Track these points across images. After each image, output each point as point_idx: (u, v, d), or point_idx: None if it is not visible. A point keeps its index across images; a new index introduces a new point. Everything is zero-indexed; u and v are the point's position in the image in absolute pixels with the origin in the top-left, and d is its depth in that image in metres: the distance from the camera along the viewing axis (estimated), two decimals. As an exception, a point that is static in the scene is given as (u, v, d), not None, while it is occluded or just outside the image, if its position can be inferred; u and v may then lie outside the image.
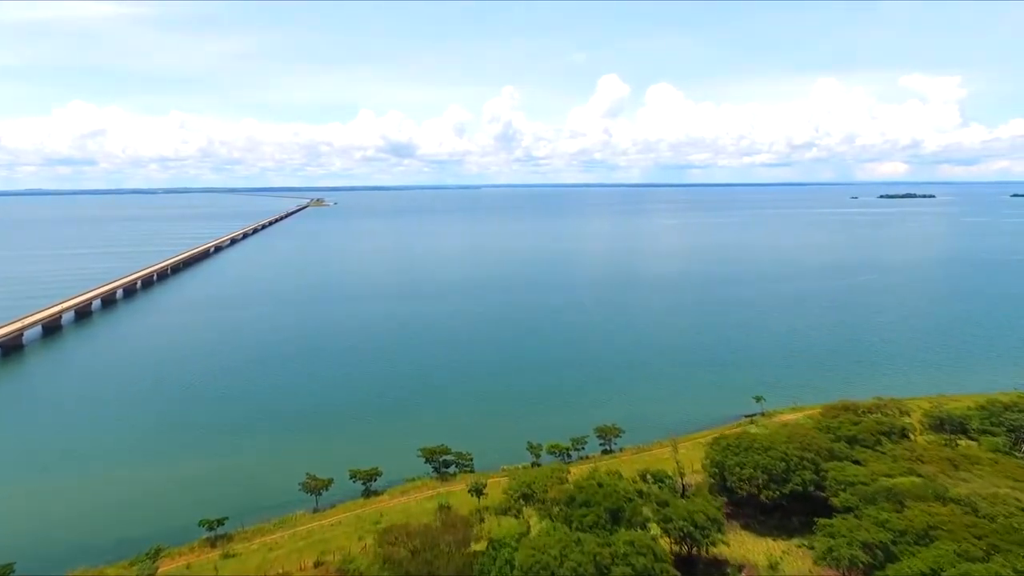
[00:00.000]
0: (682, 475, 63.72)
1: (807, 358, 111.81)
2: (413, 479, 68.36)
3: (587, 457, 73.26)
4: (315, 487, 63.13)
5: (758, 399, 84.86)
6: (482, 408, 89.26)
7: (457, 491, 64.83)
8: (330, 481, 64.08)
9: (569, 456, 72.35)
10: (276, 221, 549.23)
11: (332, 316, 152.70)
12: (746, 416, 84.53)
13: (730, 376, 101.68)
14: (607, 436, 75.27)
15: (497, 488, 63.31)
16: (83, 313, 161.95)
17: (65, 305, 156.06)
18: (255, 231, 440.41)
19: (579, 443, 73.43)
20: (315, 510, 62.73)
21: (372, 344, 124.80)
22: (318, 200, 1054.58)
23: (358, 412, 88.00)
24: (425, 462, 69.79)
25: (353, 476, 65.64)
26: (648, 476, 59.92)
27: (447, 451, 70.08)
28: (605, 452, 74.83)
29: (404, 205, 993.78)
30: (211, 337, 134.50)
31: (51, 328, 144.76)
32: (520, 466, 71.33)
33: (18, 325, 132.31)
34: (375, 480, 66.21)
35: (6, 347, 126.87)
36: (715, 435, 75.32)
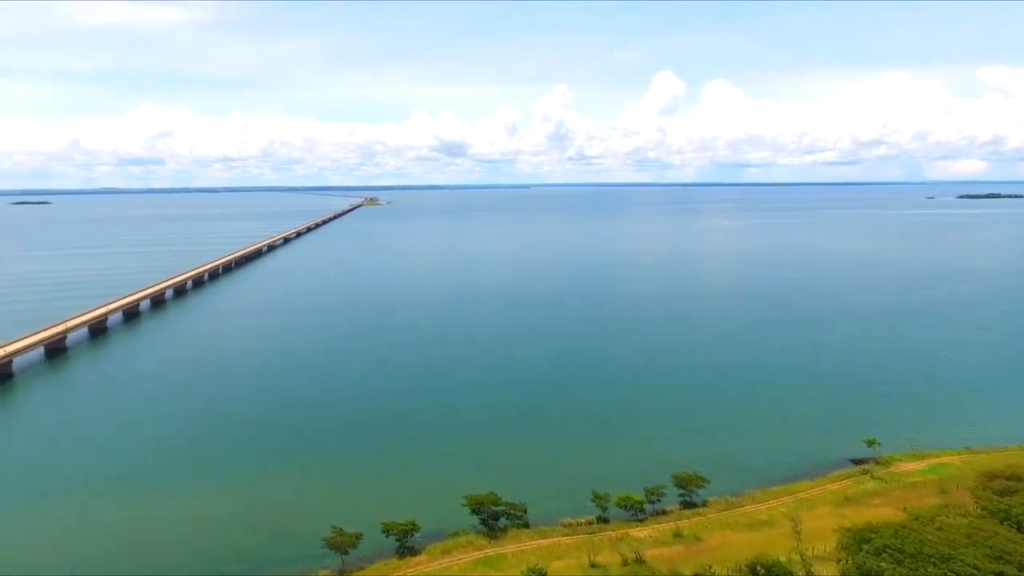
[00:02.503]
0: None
1: (913, 387, 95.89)
2: (456, 533, 57.75)
3: (665, 512, 61.11)
4: (342, 544, 53.29)
5: (870, 443, 70.54)
6: (534, 443, 77.16)
7: (509, 553, 54.00)
8: (359, 537, 54.14)
9: (643, 511, 60.42)
10: (329, 220, 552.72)
11: (373, 325, 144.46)
12: (853, 461, 70.56)
13: (826, 409, 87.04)
14: (688, 486, 62.95)
15: (557, 554, 52.23)
16: (131, 314, 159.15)
17: (113, 306, 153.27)
18: (308, 230, 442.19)
19: (654, 494, 61.40)
20: (341, 573, 52.83)
21: (413, 360, 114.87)
22: (372, 199, 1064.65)
23: (393, 443, 77.65)
24: (471, 513, 59.14)
25: (387, 531, 55.54)
26: (759, 570, 46.75)
27: (497, 501, 59.20)
28: (686, 505, 62.47)
29: (455, 204, 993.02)
30: (246, 346, 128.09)
31: (97, 330, 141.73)
32: (584, 521, 59.95)
33: (62, 328, 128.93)
34: (411, 535, 55.93)
35: (49, 349, 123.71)
36: (821, 488, 62.25)
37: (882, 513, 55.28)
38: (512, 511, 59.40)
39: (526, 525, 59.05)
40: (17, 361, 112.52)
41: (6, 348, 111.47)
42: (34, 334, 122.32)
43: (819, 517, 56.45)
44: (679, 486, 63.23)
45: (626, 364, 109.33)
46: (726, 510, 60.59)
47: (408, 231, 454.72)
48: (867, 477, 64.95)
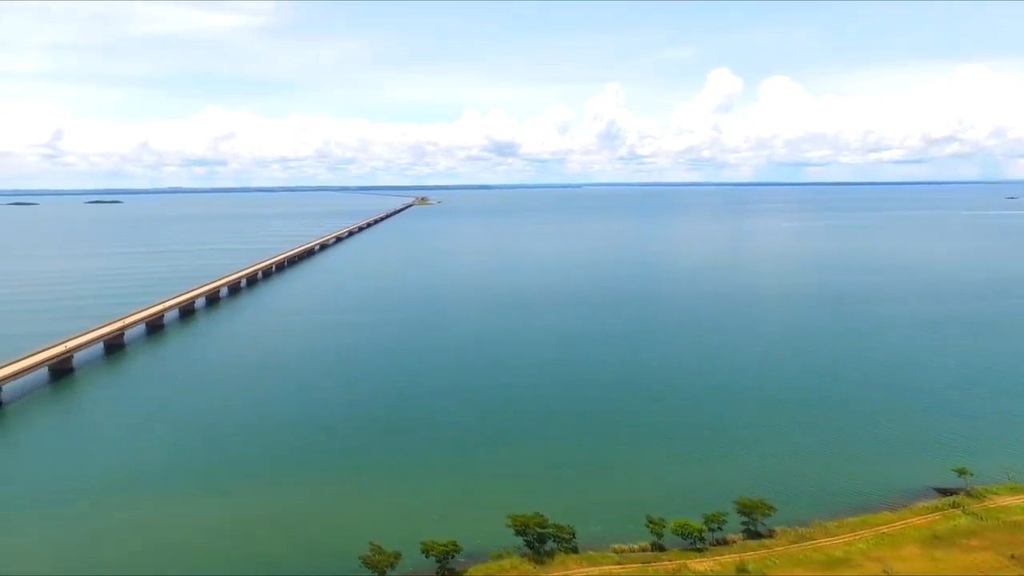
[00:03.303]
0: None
1: (1006, 408, 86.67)
2: (499, 555, 54.22)
3: (726, 542, 56.00)
4: (379, 564, 50.53)
5: (960, 472, 63.38)
6: (583, 458, 72.54)
7: (556, 581, 50.17)
8: (398, 557, 51.27)
9: (702, 539, 55.50)
10: (381, 220, 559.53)
11: (419, 326, 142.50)
12: (940, 491, 63.59)
13: (907, 430, 79.38)
14: (753, 514, 57.60)
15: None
16: (187, 311, 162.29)
17: (170, 303, 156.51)
18: (360, 229, 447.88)
19: (715, 521, 56.39)
20: (377, 594, 50.06)
21: (458, 364, 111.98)
22: (423, 199, 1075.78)
23: (434, 453, 74.66)
24: (515, 534, 55.47)
25: (426, 551, 52.46)
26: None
27: (544, 523, 55.32)
28: (750, 535, 57.15)
29: (505, 204, 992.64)
30: (291, 346, 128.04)
31: (154, 327, 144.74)
32: (637, 547, 55.49)
33: (120, 324, 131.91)
34: (452, 557, 52.68)
35: (108, 345, 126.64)
36: (905, 522, 55.93)
37: (984, 560, 48.84)
38: (559, 534, 55.45)
39: (574, 550, 55.01)
40: (77, 356, 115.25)
41: (67, 344, 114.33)
42: (94, 330, 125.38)
43: (907, 558, 50.33)
44: (742, 513, 57.98)
45: (683, 374, 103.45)
46: (796, 543, 55.03)
47: (458, 231, 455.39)
48: (958, 512, 58.10)
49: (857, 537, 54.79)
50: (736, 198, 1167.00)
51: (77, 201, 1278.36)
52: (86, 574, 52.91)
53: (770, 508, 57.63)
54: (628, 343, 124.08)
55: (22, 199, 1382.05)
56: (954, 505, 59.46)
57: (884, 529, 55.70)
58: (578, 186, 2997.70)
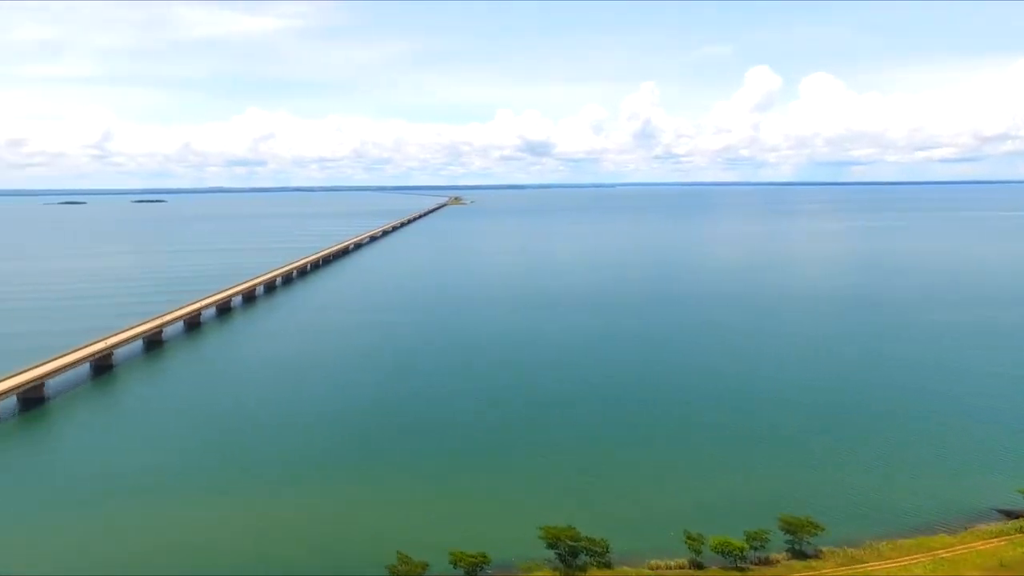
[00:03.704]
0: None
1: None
2: (529, 568, 52.34)
3: (770, 561, 53.04)
4: (407, 574, 49.06)
5: (1025, 493, 59.07)
6: (618, 468, 69.98)
7: (589, 598, 47.99)
8: (425, 567, 49.80)
9: (744, 558, 52.66)
10: (415, 219, 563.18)
11: (448, 326, 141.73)
12: (1003, 513, 59.36)
13: (966, 445, 74.54)
14: (799, 532, 54.44)
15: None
16: (223, 309, 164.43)
17: (206, 302, 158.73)
18: (394, 229, 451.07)
19: (758, 539, 53.46)
20: (404, 605, 48.65)
21: (488, 367, 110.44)
22: (456, 198, 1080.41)
23: (463, 457, 73.15)
24: (547, 546, 53.46)
25: (455, 561, 50.89)
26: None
27: (576, 536, 53.16)
28: (796, 555, 54.02)
29: (538, 204, 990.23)
30: (322, 345, 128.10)
31: (192, 324, 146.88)
32: (674, 564, 52.93)
33: (159, 321, 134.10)
34: (482, 568, 50.96)
35: (148, 342, 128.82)
36: (966, 547, 52.20)
37: (1058, 593, 45.01)
38: (592, 548, 53.22)
39: (608, 565, 52.75)
40: (118, 353, 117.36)
41: (108, 340, 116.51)
42: (134, 327, 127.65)
43: (969, 587, 46.79)
44: (787, 531, 54.86)
45: (720, 380, 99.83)
46: (845, 565, 51.77)
47: (490, 231, 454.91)
48: (1024, 536, 53.97)
49: (913, 561, 51.28)
50: (775, 198, 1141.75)
51: (123, 200, 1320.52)
52: (118, 573, 52.74)
53: (817, 527, 54.41)
54: (662, 347, 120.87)
55: (73, 198, 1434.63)
56: (1020, 529, 55.27)
57: (943, 554, 52.03)
58: (612, 186, 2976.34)
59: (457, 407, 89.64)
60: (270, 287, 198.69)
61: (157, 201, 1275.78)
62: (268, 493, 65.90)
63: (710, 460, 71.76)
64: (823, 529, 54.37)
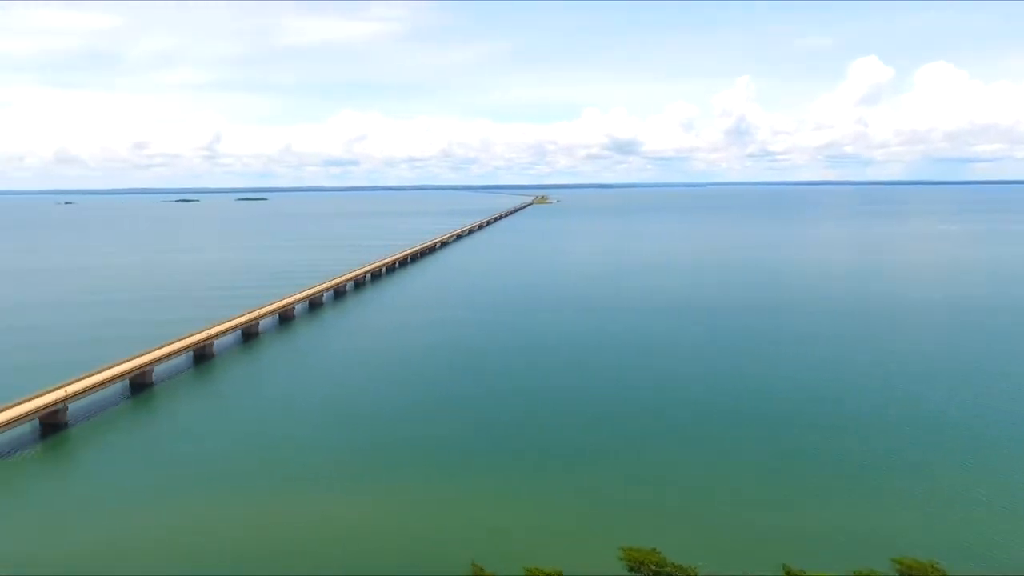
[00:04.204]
0: None
1: None
2: (615, 591, 48.73)
3: (886, 606, 46.78)
4: (485, 588, 46.83)
5: None
6: (706, 486, 64.97)
7: (681, 631, 43.93)
8: (504, 583, 47.37)
9: (858, 601, 46.73)
10: (501, 218, 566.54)
11: (529, 327, 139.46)
12: None
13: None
14: (922, 576, 47.80)
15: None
16: (315, 304, 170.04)
17: (300, 296, 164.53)
18: (479, 227, 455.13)
19: (871, 581, 47.31)
20: (482, 620, 46.43)
21: (567, 370, 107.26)
22: (542, 197, 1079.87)
23: (542, 466, 70.30)
24: (628, 569, 49.70)
25: (533, 579, 48.10)
26: None
27: (662, 561, 48.98)
28: (920, 601, 47.45)
29: (625, 203, 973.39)
30: (406, 342, 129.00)
31: (286, 317, 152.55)
32: (777, 600, 47.78)
33: (256, 314, 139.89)
34: (562, 588, 47.92)
35: (245, 333, 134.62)
36: None
37: None
38: (679, 575, 48.98)
39: (699, 593, 48.36)
40: (217, 343, 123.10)
41: (208, 331, 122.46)
42: (233, 319, 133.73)
43: None
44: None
45: (822, 397, 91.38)
46: (984, 617, 44.89)
47: (575, 230, 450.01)
48: None
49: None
50: (884, 198, 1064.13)
51: (229, 198, 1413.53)
52: (202, 561, 53.92)
53: (941, 573, 47.55)
54: (756, 357, 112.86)
55: (186, 196, 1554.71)
56: None
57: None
58: (702, 185, 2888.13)
59: (535, 411, 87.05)
60: (359, 283, 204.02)
61: (259, 199, 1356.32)
62: (345, 491, 65.85)
63: (808, 485, 65.30)
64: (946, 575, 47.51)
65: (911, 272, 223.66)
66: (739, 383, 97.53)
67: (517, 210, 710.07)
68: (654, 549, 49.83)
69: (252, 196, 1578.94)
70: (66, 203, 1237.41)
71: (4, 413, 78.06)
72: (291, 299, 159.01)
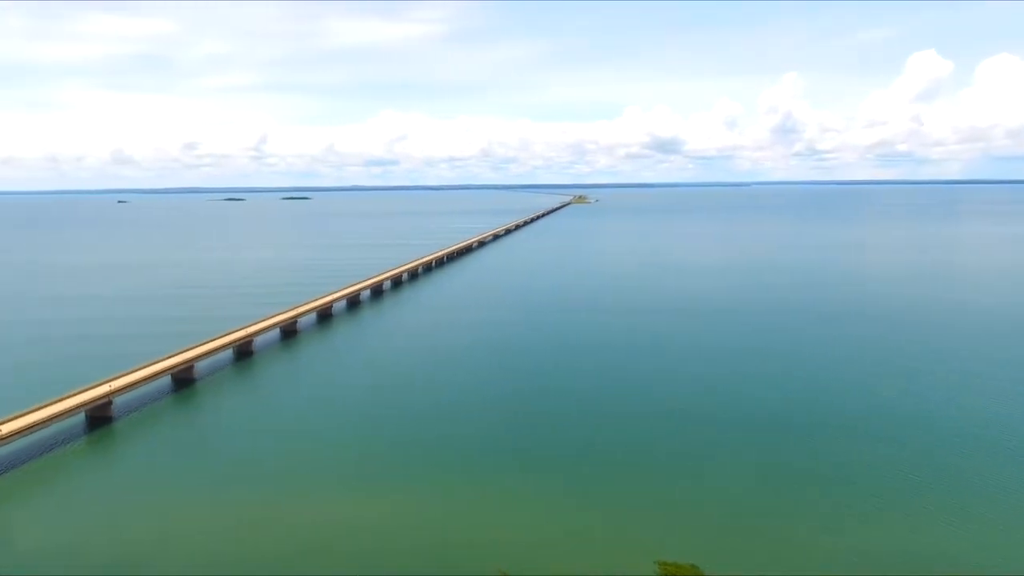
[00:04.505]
0: None
1: None
2: (650, 606, 47.04)
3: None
4: (515, 597, 45.80)
5: None
6: (746, 503, 62.11)
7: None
8: (535, 592, 46.27)
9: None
10: (538, 218, 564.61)
11: (564, 330, 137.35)
12: None
13: None
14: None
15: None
16: (353, 302, 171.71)
17: (338, 295, 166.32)
18: (517, 227, 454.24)
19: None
20: (511, 632, 45.41)
21: (602, 373, 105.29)
22: (580, 197, 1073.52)
23: (574, 476, 68.74)
24: (666, 584, 47.91)
25: (567, 589, 46.90)
26: None
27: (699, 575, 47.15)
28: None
29: (666, 203, 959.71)
30: (441, 342, 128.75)
31: (324, 315, 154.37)
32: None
33: (294, 312, 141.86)
34: (598, 601, 46.57)
35: (284, 331, 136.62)
36: None
37: None
38: (723, 592, 47.05)
39: (742, 613, 46.37)
40: (257, 340, 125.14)
41: (249, 328, 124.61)
42: (272, 316, 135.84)
43: None
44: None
45: (882, 408, 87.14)
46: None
47: (613, 230, 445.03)
48: None
49: None
50: (941, 198, 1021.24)
51: (274, 197, 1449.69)
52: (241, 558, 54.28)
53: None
54: (800, 364, 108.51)
55: (233, 195, 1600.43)
56: None
57: None
58: (746, 184, 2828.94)
59: (571, 415, 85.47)
60: (397, 282, 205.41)
61: (303, 199, 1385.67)
62: (376, 491, 65.79)
63: (861, 502, 61.91)
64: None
65: (980, 277, 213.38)
66: (792, 391, 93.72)
67: (555, 210, 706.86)
68: (693, 565, 48.01)
69: (296, 195, 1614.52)
70: (120, 202, 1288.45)
71: (54, 406, 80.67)
72: (330, 297, 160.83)
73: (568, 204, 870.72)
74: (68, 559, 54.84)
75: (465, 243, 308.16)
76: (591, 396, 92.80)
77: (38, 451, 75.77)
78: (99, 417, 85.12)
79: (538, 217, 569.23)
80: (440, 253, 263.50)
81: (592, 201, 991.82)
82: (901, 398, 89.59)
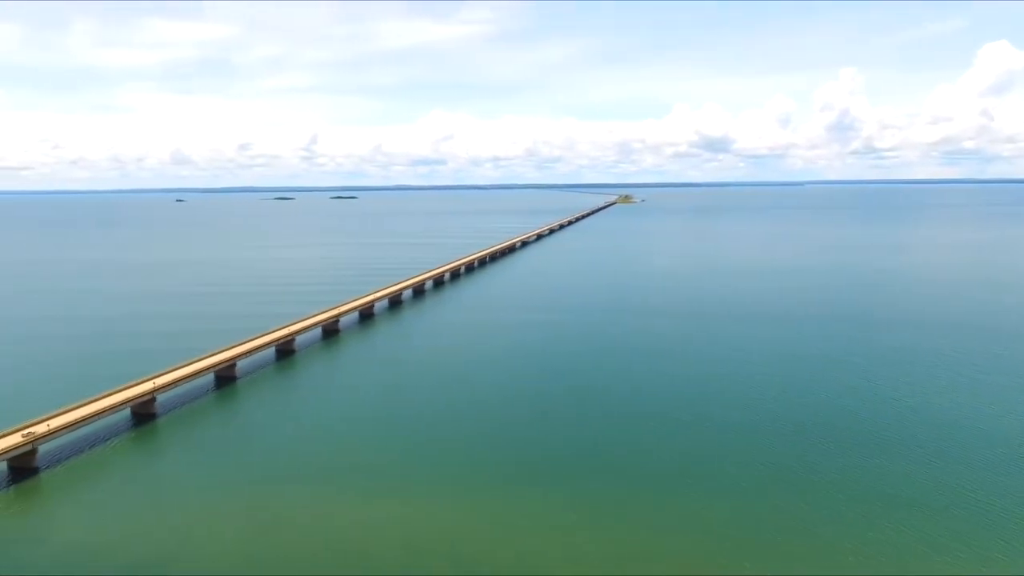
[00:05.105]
0: None
1: None
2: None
3: None
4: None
5: None
6: (796, 523, 58.14)
7: None
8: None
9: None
10: (582, 217, 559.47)
11: (608, 333, 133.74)
12: None
13: None
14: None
15: None
16: (395, 302, 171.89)
17: (380, 294, 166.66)
18: (561, 227, 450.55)
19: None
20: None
21: (652, 380, 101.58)
22: (626, 197, 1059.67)
23: (615, 487, 65.76)
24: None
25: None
26: None
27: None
28: None
29: (714, 203, 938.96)
30: (481, 343, 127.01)
31: (365, 314, 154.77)
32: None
33: (336, 311, 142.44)
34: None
35: (327, 330, 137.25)
36: None
37: None
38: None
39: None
40: (299, 339, 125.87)
41: (291, 327, 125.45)
42: (314, 315, 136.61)
43: None
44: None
45: (953, 423, 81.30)
46: None
47: (658, 230, 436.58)
48: None
49: None
50: (1016, 198, 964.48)
51: (323, 197, 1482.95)
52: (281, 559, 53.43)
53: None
54: (864, 374, 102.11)
55: (284, 195, 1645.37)
56: None
57: None
58: (800, 184, 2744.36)
59: (616, 426, 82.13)
60: (439, 282, 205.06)
61: (350, 198, 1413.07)
62: (415, 494, 64.07)
63: (918, 523, 57.05)
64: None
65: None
66: (840, 403, 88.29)
67: (600, 210, 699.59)
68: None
69: (344, 195, 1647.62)
70: (178, 201, 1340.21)
71: (100, 402, 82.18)
72: (372, 297, 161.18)
73: (613, 204, 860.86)
74: (112, 553, 55.10)
75: (508, 243, 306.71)
76: (631, 401, 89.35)
77: (84, 446, 77.17)
78: (143, 414, 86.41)
79: (582, 217, 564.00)
80: (483, 253, 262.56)
81: (638, 201, 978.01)
82: (952, 410, 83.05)
